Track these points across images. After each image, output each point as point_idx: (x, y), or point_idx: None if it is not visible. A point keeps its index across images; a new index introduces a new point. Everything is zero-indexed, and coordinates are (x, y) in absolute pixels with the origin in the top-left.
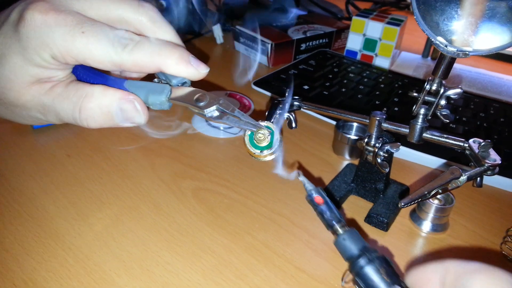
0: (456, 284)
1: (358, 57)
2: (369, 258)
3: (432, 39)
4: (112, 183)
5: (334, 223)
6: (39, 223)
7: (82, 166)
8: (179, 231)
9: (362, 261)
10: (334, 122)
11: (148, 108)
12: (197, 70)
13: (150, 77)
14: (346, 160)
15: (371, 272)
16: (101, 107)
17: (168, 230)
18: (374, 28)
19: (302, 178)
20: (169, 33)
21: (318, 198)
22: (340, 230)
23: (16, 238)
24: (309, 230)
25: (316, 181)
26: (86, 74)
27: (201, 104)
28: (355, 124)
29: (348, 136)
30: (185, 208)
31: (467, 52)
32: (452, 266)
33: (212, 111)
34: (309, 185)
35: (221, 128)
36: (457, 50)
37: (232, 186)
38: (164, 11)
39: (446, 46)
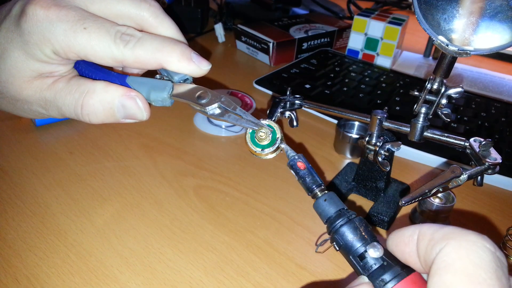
0: (430, 249)
1: (360, 56)
2: (348, 217)
3: (433, 38)
4: (114, 180)
5: (315, 187)
6: (41, 220)
7: (84, 163)
8: (181, 228)
9: (341, 220)
10: (335, 121)
11: (150, 104)
12: (199, 67)
13: (152, 73)
14: (348, 158)
15: (350, 229)
16: (103, 103)
17: (170, 227)
18: (376, 28)
19: (284, 145)
20: (171, 29)
21: (300, 164)
22: (319, 194)
23: (19, 234)
24: (310, 228)
25: None
26: (88, 69)
27: (203, 101)
28: (356, 123)
29: (350, 134)
30: (187, 205)
31: (468, 51)
32: (427, 231)
33: (214, 108)
34: (291, 152)
35: (223, 126)
36: (458, 49)
37: (234, 184)
38: (166, 8)
39: (447, 45)
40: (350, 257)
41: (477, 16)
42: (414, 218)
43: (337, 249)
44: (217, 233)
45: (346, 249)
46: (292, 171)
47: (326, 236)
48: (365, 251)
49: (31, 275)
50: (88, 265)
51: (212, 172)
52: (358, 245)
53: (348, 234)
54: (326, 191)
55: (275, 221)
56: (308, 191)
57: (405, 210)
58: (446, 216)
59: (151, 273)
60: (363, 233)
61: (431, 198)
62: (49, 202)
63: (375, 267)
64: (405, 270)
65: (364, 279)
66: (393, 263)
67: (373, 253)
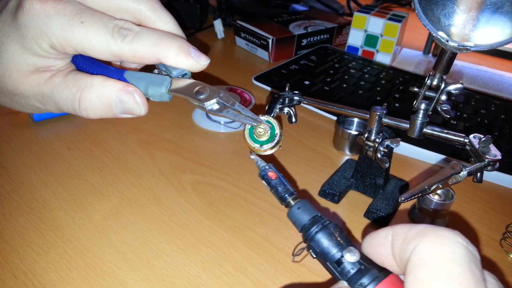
0: (405, 248)
1: (359, 53)
2: (323, 224)
3: (433, 34)
4: (112, 175)
5: (287, 196)
6: (39, 215)
7: (82, 159)
8: (179, 224)
9: (316, 227)
10: (334, 118)
11: (148, 99)
12: (197, 62)
13: (150, 68)
14: (347, 155)
15: (326, 235)
16: (101, 98)
17: (168, 223)
18: (376, 24)
19: (253, 157)
20: (169, 23)
21: (271, 174)
22: (292, 202)
23: (16, 230)
24: None
25: (316, 176)
26: (85, 63)
27: (201, 96)
28: (355, 120)
29: (349, 131)
30: (185, 201)
31: (468, 47)
32: (401, 230)
33: (212, 104)
34: (262, 162)
35: (222, 122)
36: (458, 45)
37: (232, 180)
38: (165, 4)
39: (447, 41)
40: (328, 263)
41: (477, 11)
42: (413, 215)
43: (314, 256)
44: (215, 229)
45: (322, 256)
46: (263, 181)
47: (303, 245)
48: (342, 256)
49: (29, 271)
50: (86, 261)
51: (211, 168)
52: (334, 251)
53: (324, 240)
54: (299, 199)
55: (273, 217)
56: (281, 200)
57: (404, 206)
58: (445, 213)
59: (149, 269)
60: (339, 239)
61: (431, 194)
62: (47, 198)
63: (352, 271)
64: (383, 272)
65: (343, 283)
66: (370, 267)
67: (350, 258)
